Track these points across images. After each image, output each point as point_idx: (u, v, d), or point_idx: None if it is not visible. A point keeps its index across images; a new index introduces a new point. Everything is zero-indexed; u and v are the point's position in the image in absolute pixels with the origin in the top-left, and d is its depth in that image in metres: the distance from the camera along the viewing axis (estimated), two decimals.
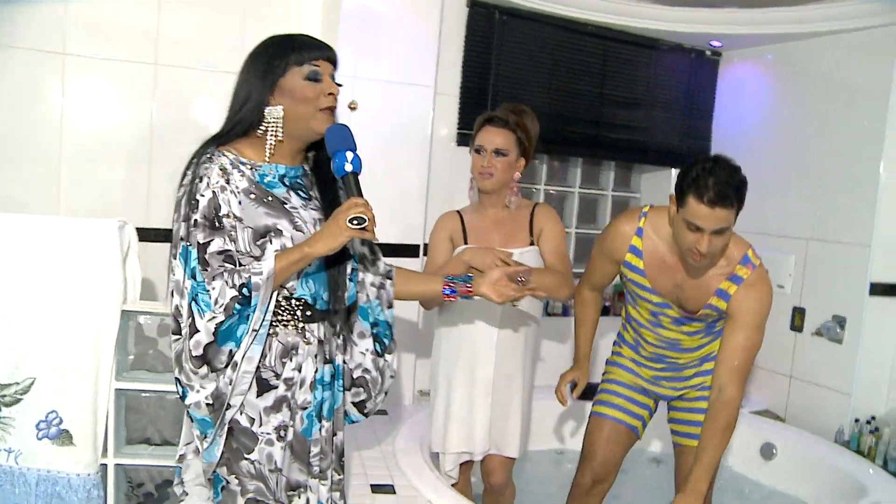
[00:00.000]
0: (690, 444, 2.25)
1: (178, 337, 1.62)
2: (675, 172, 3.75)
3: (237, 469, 1.68)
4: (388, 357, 1.94)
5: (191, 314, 1.59)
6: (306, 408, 1.74)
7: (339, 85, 1.72)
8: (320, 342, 1.75)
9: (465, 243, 2.46)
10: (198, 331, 1.58)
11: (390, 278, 1.92)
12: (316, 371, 1.74)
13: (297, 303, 1.71)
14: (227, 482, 1.68)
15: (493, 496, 2.50)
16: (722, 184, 1.89)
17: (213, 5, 2.92)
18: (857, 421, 3.00)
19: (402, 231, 3.03)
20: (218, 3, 2.93)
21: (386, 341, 1.93)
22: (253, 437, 1.68)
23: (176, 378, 1.63)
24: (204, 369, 1.60)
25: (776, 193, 3.41)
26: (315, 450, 1.76)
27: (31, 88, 2.76)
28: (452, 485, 2.45)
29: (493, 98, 3.24)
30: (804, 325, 3.26)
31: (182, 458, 1.71)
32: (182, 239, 1.62)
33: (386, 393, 1.95)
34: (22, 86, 2.75)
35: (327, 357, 1.78)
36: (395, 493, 2.26)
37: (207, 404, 1.62)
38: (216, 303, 1.57)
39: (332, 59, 1.73)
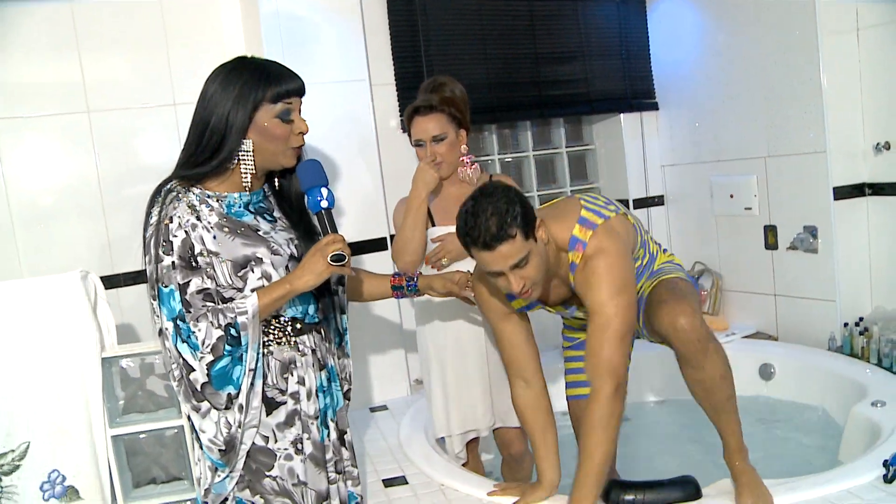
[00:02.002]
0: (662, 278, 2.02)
1: (178, 377, 1.63)
2: (623, 118, 3.79)
3: (260, 489, 1.70)
4: (347, 360, 1.97)
5: (182, 355, 1.60)
6: (317, 417, 1.77)
7: (304, 120, 1.73)
8: (313, 351, 1.78)
9: (433, 225, 2.47)
10: (193, 370, 1.60)
11: (343, 284, 1.94)
12: (315, 380, 1.77)
13: (287, 321, 1.73)
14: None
15: (513, 465, 2.52)
16: (487, 223, 1.68)
17: (133, 41, 2.88)
18: (846, 325, 3.04)
19: (364, 227, 3.04)
20: (137, 38, 2.89)
21: (344, 344, 1.95)
22: (270, 454, 1.70)
23: (188, 416, 1.66)
24: (205, 405, 1.62)
25: (727, 119, 3.45)
26: (328, 455, 1.80)
27: None
28: (462, 465, 2.47)
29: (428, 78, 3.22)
30: (778, 241, 3.29)
31: (207, 492, 1.71)
32: (158, 281, 1.62)
33: (347, 397, 1.96)
34: None
35: (321, 363, 1.81)
36: (407, 482, 2.27)
37: (220, 450, 1.64)
38: (203, 343, 1.59)
39: (302, 90, 1.73)
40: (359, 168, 3.04)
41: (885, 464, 1.99)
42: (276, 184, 1.82)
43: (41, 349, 1.88)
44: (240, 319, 1.59)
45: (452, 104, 2.43)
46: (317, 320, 1.80)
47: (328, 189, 1.70)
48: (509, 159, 3.78)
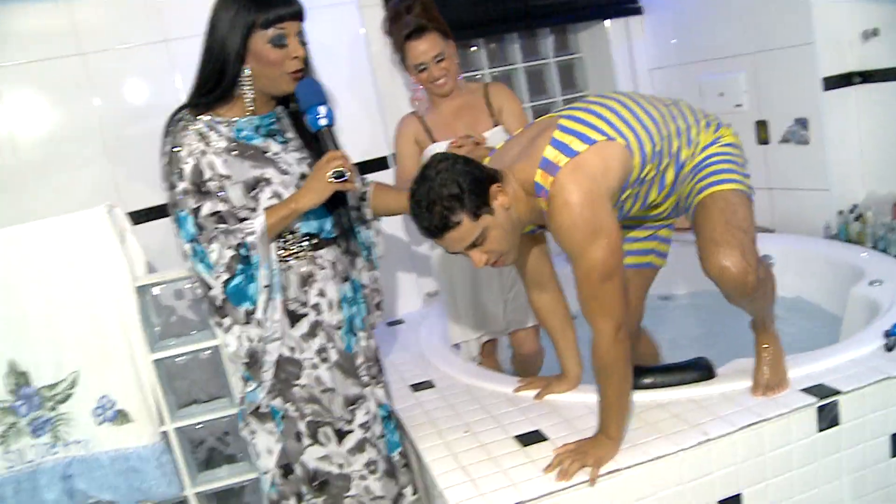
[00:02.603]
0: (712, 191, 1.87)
1: (202, 295, 1.75)
2: (608, 24, 3.81)
3: (291, 396, 1.83)
4: (376, 272, 2.07)
5: (201, 274, 1.72)
6: (341, 326, 1.87)
7: (305, 44, 1.76)
8: (333, 265, 1.87)
9: (433, 141, 2.52)
10: (211, 287, 1.71)
11: (365, 199, 2.02)
12: (338, 291, 1.88)
13: (304, 237, 1.83)
14: (285, 411, 1.81)
15: (525, 363, 2.64)
16: (430, 215, 1.64)
17: None
18: (840, 213, 3.13)
19: (366, 148, 3.09)
20: None
21: (372, 258, 2.06)
22: (297, 364, 1.83)
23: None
24: (227, 321, 1.74)
25: (713, 18, 3.47)
26: (359, 361, 1.92)
27: None
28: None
29: None
30: (769, 136, 3.36)
31: (242, 400, 1.84)
32: (174, 206, 1.72)
33: (379, 307, 2.08)
34: None
35: (344, 276, 1.91)
36: (433, 386, 2.39)
37: (244, 363, 1.74)
38: (217, 263, 1.69)
39: (299, 15, 1.75)
40: (355, 90, 3.07)
41: (886, 333, 2.10)
42: (290, 105, 1.88)
43: (77, 283, 1.95)
44: (248, 239, 1.69)
45: (436, 19, 2.43)
46: (333, 235, 1.89)
47: (327, 107, 1.75)
48: (498, 73, 3.80)
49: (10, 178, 2.74)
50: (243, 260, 1.70)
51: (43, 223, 1.97)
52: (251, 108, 1.78)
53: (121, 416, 2.00)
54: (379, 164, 3.14)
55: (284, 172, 1.78)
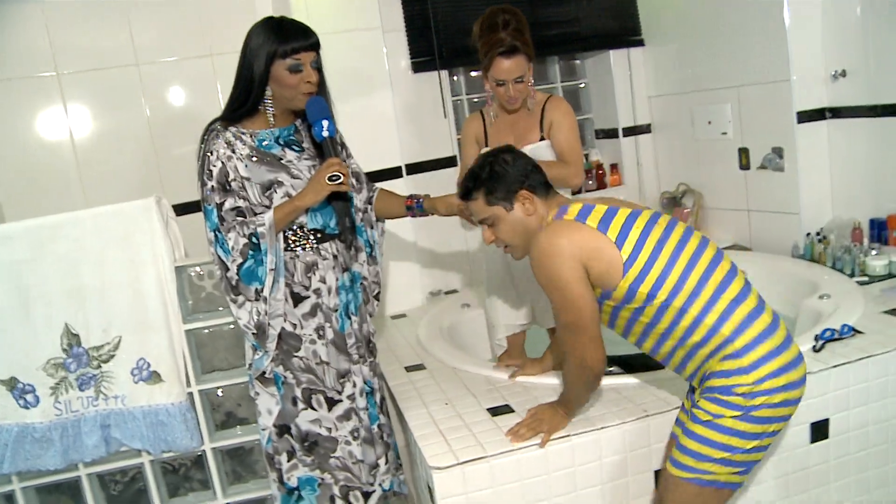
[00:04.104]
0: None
1: (220, 276, 2.08)
2: (612, 54, 4.12)
3: (290, 365, 2.15)
4: (377, 267, 2.37)
5: (220, 258, 2.05)
6: (337, 309, 2.17)
7: (319, 69, 2.07)
8: (335, 256, 2.17)
9: (486, 145, 2.73)
10: (228, 269, 2.05)
11: (371, 203, 2.34)
12: (337, 280, 2.17)
13: (311, 231, 2.13)
14: (285, 378, 2.14)
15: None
16: (465, 180, 1.99)
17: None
18: (808, 235, 3.39)
19: (380, 158, 3.40)
20: None
21: (374, 255, 2.35)
22: (297, 338, 2.14)
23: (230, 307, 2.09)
24: (241, 298, 2.07)
25: (704, 52, 3.77)
26: (351, 341, 2.21)
27: (33, 112, 3.14)
28: (503, 353, 2.82)
29: (435, 25, 3.58)
30: (750, 162, 3.64)
31: (250, 366, 2.17)
32: (203, 201, 2.06)
33: (377, 298, 2.37)
34: (25, 111, 3.13)
35: (344, 267, 2.22)
36: (425, 368, 2.72)
37: (253, 333, 2.08)
38: (233, 249, 2.02)
39: (315, 46, 2.05)
40: (375, 105, 3.38)
41: (816, 337, 2.41)
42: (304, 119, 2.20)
43: (127, 261, 2.28)
44: (259, 230, 2.00)
45: (528, 43, 2.53)
46: (337, 231, 2.18)
47: (329, 121, 2.04)
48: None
49: (71, 172, 3.15)
50: (254, 247, 2.02)
51: (101, 209, 2.30)
52: (272, 123, 2.11)
53: (154, 377, 2.34)
54: (392, 172, 3.46)
55: (296, 177, 2.10)
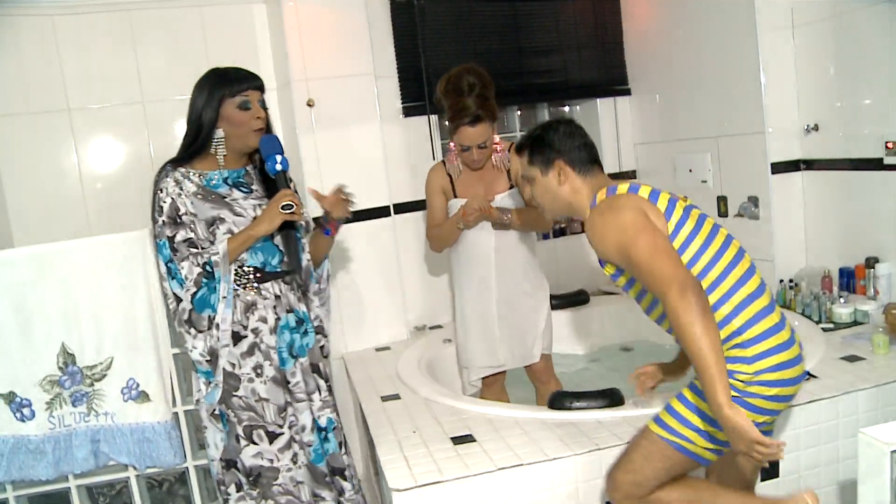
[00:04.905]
0: None
1: (174, 308, 2.19)
2: (599, 102, 4.30)
3: (231, 404, 2.23)
4: (323, 309, 2.48)
5: (173, 292, 2.17)
6: (276, 348, 2.25)
7: (265, 109, 2.22)
8: (276, 297, 2.25)
9: (455, 196, 2.88)
10: (181, 300, 2.16)
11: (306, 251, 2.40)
12: (278, 319, 2.24)
13: (250, 270, 2.22)
14: (228, 415, 2.25)
15: (544, 394, 2.97)
16: (525, 134, 2.15)
17: (176, 42, 3.47)
18: (781, 281, 3.50)
19: (370, 197, 3.54)
20: (180, 39, 3.47)
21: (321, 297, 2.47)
22: (236, 378, 2.21)
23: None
24: (193, 331, 2.18)
25: (687, 103, 3.92)
26: (294, 380, 2.27)
27: (45, 145, 3.35)
28: (477, 394, 2.96)
29: (426, 71, 3.76)
30: (728, 209, 3.77)
31: (198, 401, 2.29)
32: (156, 237, 2.20)
33: (322, 349, 2.43)
34: (38, 144, 3.33)
35: (288, 307, 2.28)
36: (399, 398, 2.85)
37: (206, 360, 2.19)
38: (187, 278, 2.14)
39: (260, 87, 2.22)
40: (365, 146, 3.53)
41: None
42: (257, 161, 2.31)
43: (120, 287, 2.44)
44: (213, 258, 2.12)
45: (490, 108, 2.69)
46: (278, 270, 2.25)
47: (282, 156, 2.17)
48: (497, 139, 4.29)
49: (77, 200, 3.34)
50: (208, 275, 2.14)
51: (97, 239, 2.47)
52: (222, 164, 2.22)
53: (142, 396, 2.49)
54: (380, 211, 3.61)
55: (238, 214, 2.19)
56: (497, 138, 2.79)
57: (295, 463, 2.29)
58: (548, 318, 3.01)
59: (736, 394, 1.83)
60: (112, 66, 3.40)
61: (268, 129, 2.25)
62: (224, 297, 2.15)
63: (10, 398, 2.44)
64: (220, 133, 2.19)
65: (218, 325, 2.16)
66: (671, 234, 1.90)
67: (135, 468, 2.55)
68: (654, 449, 1.97)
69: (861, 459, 1.59)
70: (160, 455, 2.51)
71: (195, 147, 2.20)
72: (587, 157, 2.09)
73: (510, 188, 2.80)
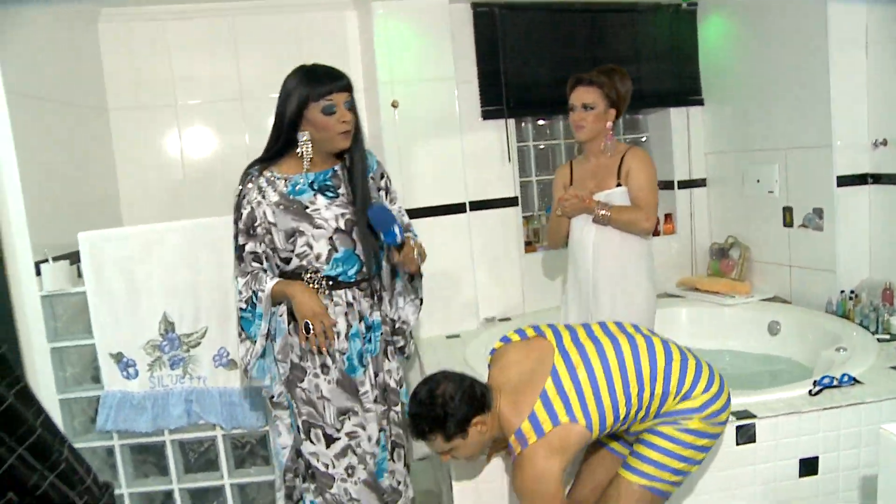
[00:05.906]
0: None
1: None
2: (673, 111, 4.41)
3: (294, 394, 2.24)
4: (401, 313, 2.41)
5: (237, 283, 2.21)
6: (344, 353, 2.21)
7: (351, 110, 2.11)
8: (349, 304, 2.20)
9: (571, 184, 2.92)
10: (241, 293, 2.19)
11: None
12: (350, 326, 2.20)
13: (323, 278, 2.18)
14: (292, 406, 2.28)
15: None
16: (415, 423, 2.00)
17: (274, 44, 3.74)
18: (842, 292, 3.56)
19: (447, 194, 3.76)
20: (278, 41, 3.74)
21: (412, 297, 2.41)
22: (302, 370, 2.22)
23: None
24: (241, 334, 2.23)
25: (757, 115, 4.00)
26: (363, 389, 2.23)
27: (153, 136, 3.69)
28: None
29: (505, 77, 3.93)
30: (793, 220, 3.84)
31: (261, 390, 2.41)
32: (234, 235, 2.21)
33: (403, 350, 2.43)
34: (147, 134, 3.68)
35: (360, 315, 2.23)
36: None
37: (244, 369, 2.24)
38: (240, 293, 2.18)
39: (346, 87, 2.11)
40: (445, 146, 3.74)
41: (814, 382, 2.64)
42: (347, 159, 2.24)
43: (217, 264, 2.70)
44: (259, 294, 2.12)
45: (612, 87, 2.74)
46: (353, 280, 2.20)
47: (398, 224, 2.09)
48: (610, 125, 4.34)
49: (179, 188, 3.67)
50: (252, 302, 2.14)
51: (195, 222, 2.75)
52: (307, 167, 2.16)
53: (231, 364, 2.77)
54: (457, 207, 3.82)
55: (318, 227, 2.14)
56: (610, 125, 2.83)
57: (350, 476, 2.24)
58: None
59: (694, 430, 2.06)
60: (215, 65, 3.71)
61: (356, 131, 2.17)
62: (264, 335, 2.17)
63: (118, 358, 2.74)
64: (304, 136, 2.12)
65: (256, 351, 2.19)
66: (587, 425, 1.97)
67: (222, 427, 2.82)
68: (641, 498, 2.08)
69: (881, 454, 1.73)
70: (245, 417, 2.78)
71: (279, 146, 2.16)
72: (479, 391, 2.02)
73: (617, 185, 2.83)
